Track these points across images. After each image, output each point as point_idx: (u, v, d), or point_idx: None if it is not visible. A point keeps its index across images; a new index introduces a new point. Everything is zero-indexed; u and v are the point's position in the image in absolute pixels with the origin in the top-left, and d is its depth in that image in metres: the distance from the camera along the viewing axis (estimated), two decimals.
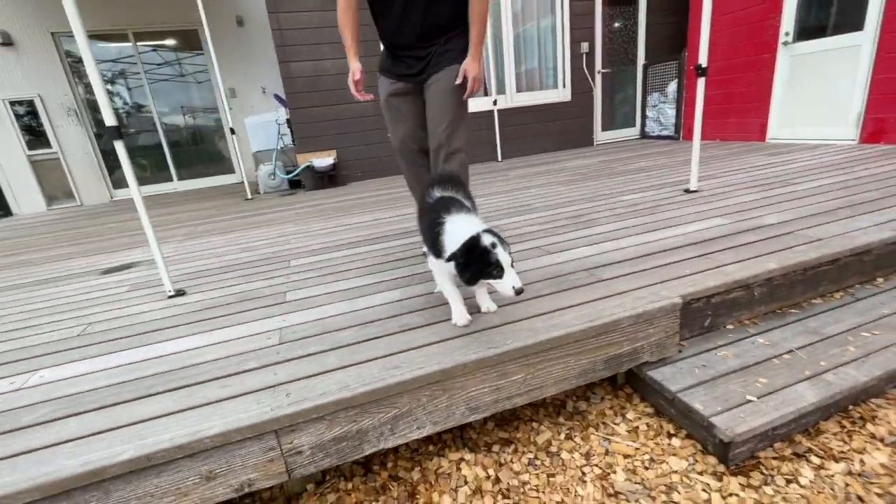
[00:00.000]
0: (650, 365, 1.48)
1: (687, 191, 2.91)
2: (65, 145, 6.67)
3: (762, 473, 1.22)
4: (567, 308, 1.48)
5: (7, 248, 3.94)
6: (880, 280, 1.91)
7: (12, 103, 6.33)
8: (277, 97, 5.65)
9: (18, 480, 0.95)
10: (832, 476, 1.19)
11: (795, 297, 1.77)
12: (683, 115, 5.70)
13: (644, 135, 6.46)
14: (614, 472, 1.28)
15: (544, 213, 2.82)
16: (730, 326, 1.67)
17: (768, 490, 1.17)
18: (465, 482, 1.29)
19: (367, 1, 1.88)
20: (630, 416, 1.48)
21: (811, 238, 1.88)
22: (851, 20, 3.84)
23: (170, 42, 6.99)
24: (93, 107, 6.69)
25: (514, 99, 5.82)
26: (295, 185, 5.61)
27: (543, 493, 1.23)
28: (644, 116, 6.40)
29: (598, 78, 6.11)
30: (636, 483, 1.24)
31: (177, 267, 2.52)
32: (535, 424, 1.48)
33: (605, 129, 6.44)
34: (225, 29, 6.57)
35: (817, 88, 4.21)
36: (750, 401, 1.29)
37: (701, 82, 2.66)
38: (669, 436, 1.38)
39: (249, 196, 5.17)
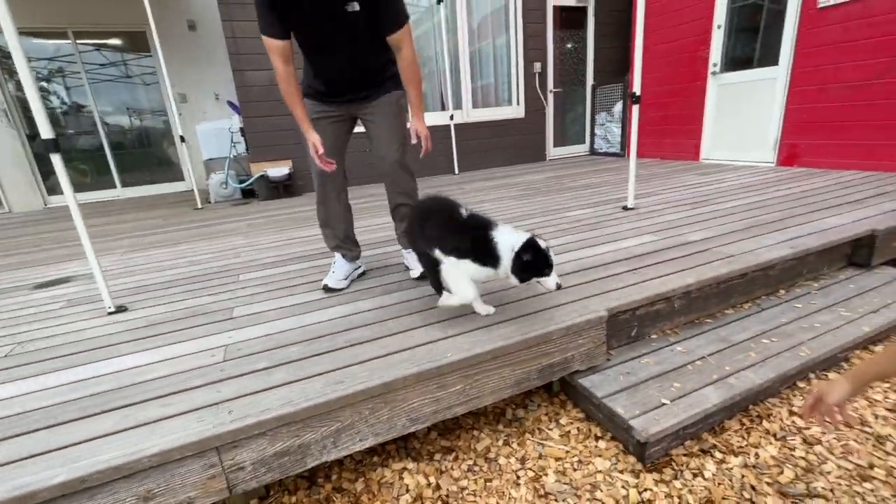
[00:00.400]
0: (581, 373, 1.61)
1: (625, 208, 3.13)
2: None
3: (673, 469, 1.36)
4: (506, 321, 1.58)
5: None
6: (782, 292, 2.15)
7: None
8: (231, 104, 5.53)
9: None
10: (731, 469, 1.34)
11: (710, 308, 1.97)
12: (628, 134, 6.09)
13: (593, 151, 6.82)
14: (546, 475, 1.38)
15: None
16: (654, 336, 1.84)
17: (677, 484, 1.31)
18: (407, 490, 1.35)
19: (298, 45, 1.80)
20: (563, 421, 1.59)
21: (726, 254, 2.09)
22: (771, 54, 4.27)
23: (115, 42, 6.68)
24: (24, 105, 6.26)
25: (471, 114, 6.00)
26: (248, 194, 5.50)
27: (480, 497, 1.32)
28: (593, 134, 6.76)
29: (551, 96, 6.41)
30: (565, 484, 1.34)
31: (118, 281, 2.44)
32: (475, 432, 1.57)
33: (556, 145, 6.74)
34: (176, 32, 6.36)
35: (742, 115, 4.64)
36: (664, 404, 1.44)
37: (636, 109, 2.89)
38: (597, 438, 1.50)
39: (199, 205, 5.01)
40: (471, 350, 1.39)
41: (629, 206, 3.12)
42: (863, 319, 1.86)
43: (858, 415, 1.51)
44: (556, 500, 1.29)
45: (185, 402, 1.24)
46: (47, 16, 6.05)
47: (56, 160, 1.73)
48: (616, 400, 1.47)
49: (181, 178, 7.33)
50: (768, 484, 1.29)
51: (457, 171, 5.91)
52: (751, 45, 4.54)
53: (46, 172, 6.57)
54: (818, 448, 1.39)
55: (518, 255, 1.41)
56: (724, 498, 1.25)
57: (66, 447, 1.09)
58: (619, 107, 6.18)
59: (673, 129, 5.43)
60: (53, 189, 6.67)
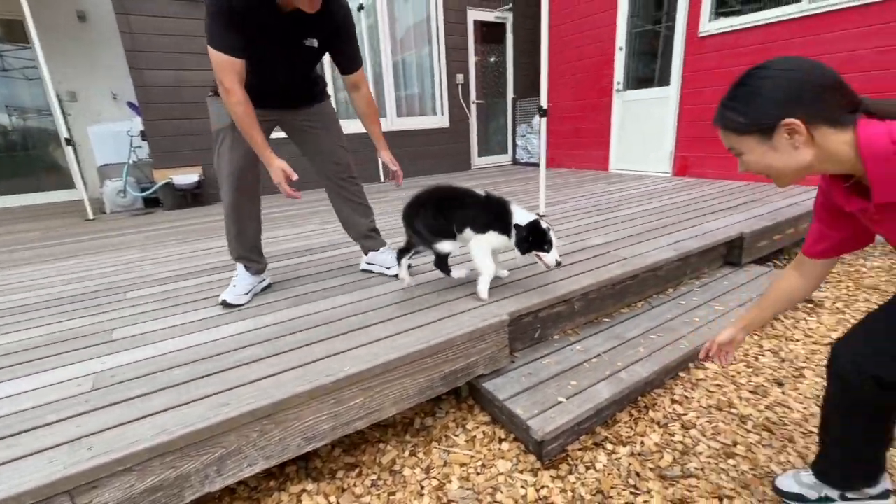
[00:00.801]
0: (486, 377, 1.64)
1: (538, 215, 3.27)
2: None
3: (568, 464, 1.42)
4: (412, 329, 1.58)
5: None
6: (670, 290, 2.37)
7: None
8: (131, 105, 5.06)
9: None
10: (620, 458, 1.43)
11: (608, 308, 2.11)
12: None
13: (515, 161, 7.10)
14: (450, 482, 1.38)
15: None
16: (556, 336, 1.93)
17: (571, 478, 1.37)
18: None
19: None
20: (469, 426, 1.61)
21: (621, 258, 2.26)
22: (666, 75, 4.73)
23: None
24: None
25: (395, 122, 6.00)
26: (152, 203, 5.03)
27: None
28: (515, 145, 7.05)
29: (474, 107, 6.60)
30: (467, 489, 1.35)
31: None
32: (381, 445, 1.53)
33: (481, 154, 6.94)
34: (62, 23, 5.71)
35: (643, 129, 5.08)
36: (560, 402, 1.50)
37: (543, 122, 3.05)
38: (500, 441, 1.54)
39: (91, 216, 4.49)
40: (372, 361, 1.36)
41: (541, 213, 3.27)
42: (732, 312, 2.09)
43: (727, 399, 1.68)
44: None
45: (36, 441, 1.09)
46: None
47: None
48: (517, 401, 1.52)
49: (71, 186, 6.55)
50: (651, 469, 1.39)
51: (382, 179, 5.87)
52: (650, 66, 5.01)
53: None
54: (693, 431, 1.53)
55: (519, 229, 1.70)
56: (612, 487, 1.33)
57: None
58: (537, 119, 6.50)
59: (585, 141, 5.82)
60: None
